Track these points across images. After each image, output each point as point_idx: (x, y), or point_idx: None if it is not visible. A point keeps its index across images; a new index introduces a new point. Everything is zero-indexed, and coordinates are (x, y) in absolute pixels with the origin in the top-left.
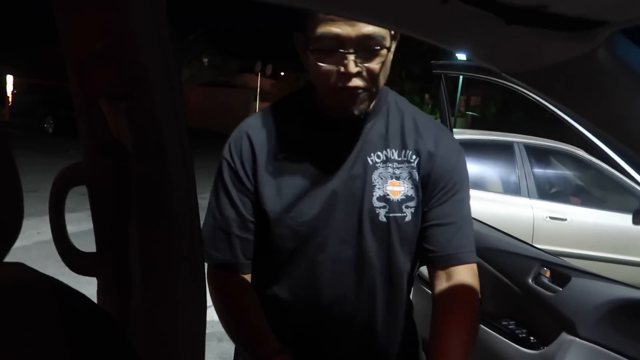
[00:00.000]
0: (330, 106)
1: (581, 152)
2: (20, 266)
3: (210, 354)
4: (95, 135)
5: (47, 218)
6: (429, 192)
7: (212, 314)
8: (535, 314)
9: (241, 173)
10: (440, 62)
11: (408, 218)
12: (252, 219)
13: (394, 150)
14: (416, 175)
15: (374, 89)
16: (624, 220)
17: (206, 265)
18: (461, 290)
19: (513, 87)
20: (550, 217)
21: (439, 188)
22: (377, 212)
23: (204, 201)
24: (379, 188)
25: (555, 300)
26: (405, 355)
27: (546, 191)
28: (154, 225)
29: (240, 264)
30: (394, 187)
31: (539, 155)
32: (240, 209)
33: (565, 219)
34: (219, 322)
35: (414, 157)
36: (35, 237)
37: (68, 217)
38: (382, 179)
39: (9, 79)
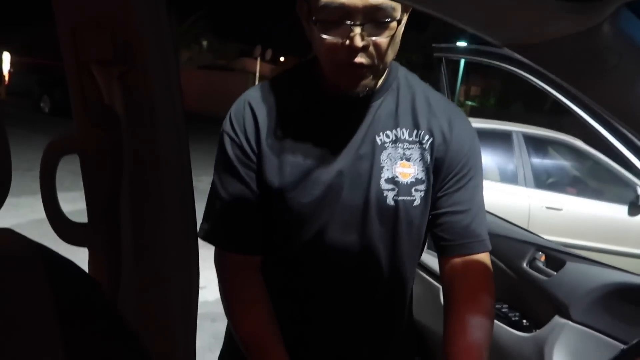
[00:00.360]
0: (334, 83)
1: (579, 143)
2: (7, 232)
3: (204, 334)
4: (86, 103)
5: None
6: (442, 177)
7: (205, 295)
8: (528, 298)
9: (246, 147)
10: (442, 45)
11: (417, 202)
12: (259, 196)
13: (404, 130)
14: (428, 158)
15: (381, 66)
16: (619, 211)
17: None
18: (479, 278)
19: (514, 71)
20: (547, 207)
21: (453, 173)
22: (384, 194)
23: (200, 184)
24: (387, 169)
25: (549, 284)
26: (402, 345)
27: (543, 181)
28: (145, 196)
29: (250, 244)
30: (404, 169)
31: (537, 145)
32: (247, 184)
33: (561, 209)
34: (212, 303)
35: (426, 137)
36: (30, 216)
37: (63, 196)
38: (391, 159)
39: (6, 56)
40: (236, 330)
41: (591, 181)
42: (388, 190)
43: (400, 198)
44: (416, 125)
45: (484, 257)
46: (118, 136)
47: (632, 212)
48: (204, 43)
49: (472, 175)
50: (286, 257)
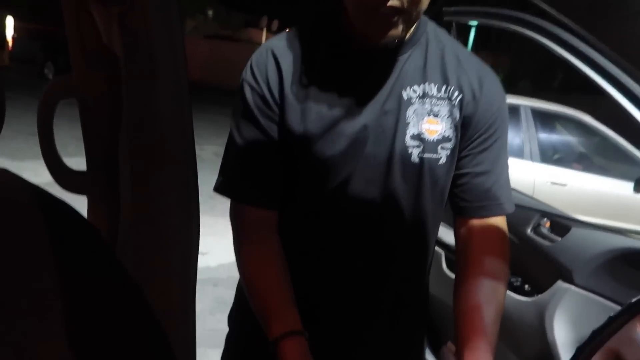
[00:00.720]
0: (361, 32)
1: (587, 118)
2: (2, 172)
3: (206, 298)
4: (84, 45)
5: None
6: (467, 136)
7: (207, 261)
8: (531, 263)
9: (267, 96)
10: (452, 8)
11: (442, 160)
12: (279, 147)
13: (432, 85)
14: (457, 115)
15: (414, 14)
16: (625, 188)
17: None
18: (495, 242)
19: (529, 36)
20: (552, 182)
21: (479, 133)
22: (409, 151)
23: (203, 152)
24: (413, 125)
25: (553, 250)
26: (416, 314)
27: (549, 156)
28: (144, 143)
29: (268, 197)
30: (431, 126)
31: (544, 120)
32: (267, 134)
33: (565, 185)
34: (214, 268)
35: (456, 93)
36: (33, 179)
37: (67, 161)
38: (417, 115)
39: (9, 21)
40: (250, 283)
41: (597, 158)
42: (413, 147)
43: (425, 155)
44: (445, 81)
45: (501, 220)
46: (117, 80)
47: (638, 189)
48: (210, 12)
49: (498, 136)
50: (304, 212)
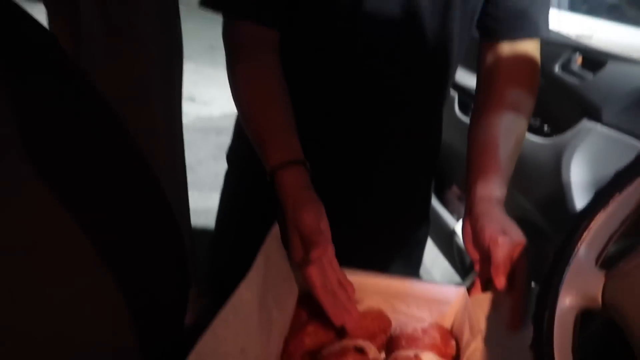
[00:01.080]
0: None
1: None
2: None
3: (209, 145)
4: None
5: None
6: None
7: (210, 111)
8: (554, 104)
9: None
10: None
11: None
12: None
13: None
14: None
15: None
16: None
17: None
18: (528, 70)
19: None
20: (576, 36)
21: None
22: None
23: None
24: None
25: (583, 87)
26: (427, 147)
27: (578, 5)
28: None
29: (267, 11)
30: None
31: None
32: None
33: (591, 36)
34: (217, 118)
35: None
36: None
37: None
38: None
39: None
40: (246, 106)
41: (630, 9)
42: None
43: None
44: None
45: (534, 47)
46: None
47: None
48: None
49: None
50: (311, 35)
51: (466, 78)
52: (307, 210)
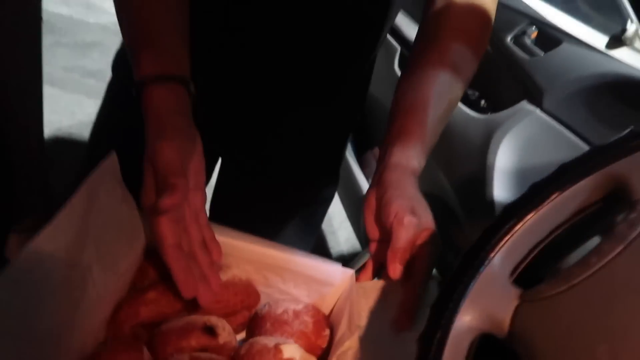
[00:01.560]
0: None
1: None
2: None
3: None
4: None
5: None
6: None
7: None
8: (497, 78)
9: None
10: None
11: None
12: None
13: None
14: None
15: None
16: (598, 40)
17: None
18: (477, 25)
19: None
20: None
21: None
22: None
23: None
24: None
25: (531, 64)
26: (349, 99)
27: None
28: None
29: None
30: None
31: None
32: None
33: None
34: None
35: None
36: None
37: None
38: None
39: None
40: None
41: (584, 5)
42: None
43: None
44: None
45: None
46: None
47: (610, 45)
48: None
49: None
50: None
51: (412, 31)
52: (170, 142)
